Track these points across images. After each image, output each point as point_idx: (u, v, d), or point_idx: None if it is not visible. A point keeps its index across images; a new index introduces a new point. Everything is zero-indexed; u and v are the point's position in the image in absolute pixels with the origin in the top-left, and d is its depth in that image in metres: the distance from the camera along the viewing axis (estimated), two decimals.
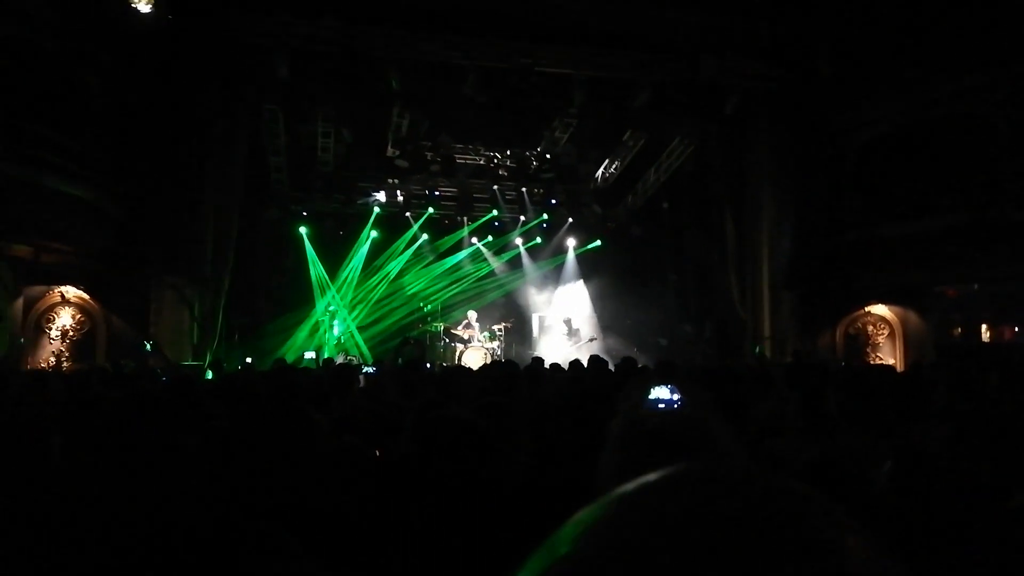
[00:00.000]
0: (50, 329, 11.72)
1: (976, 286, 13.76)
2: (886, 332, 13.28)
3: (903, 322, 13.21)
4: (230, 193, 12.63)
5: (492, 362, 8.69)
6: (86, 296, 11.93)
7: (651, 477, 0.48)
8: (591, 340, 16.27)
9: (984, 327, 15.70)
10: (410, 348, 7.57)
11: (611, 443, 1.21)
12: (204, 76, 11.60)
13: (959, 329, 15.58)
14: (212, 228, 12.30)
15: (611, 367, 7.34)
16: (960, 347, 14.41)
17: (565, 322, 16.50)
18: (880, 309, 13.30)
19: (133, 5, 10.21)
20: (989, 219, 11.12)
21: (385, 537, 1.95)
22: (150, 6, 10.40)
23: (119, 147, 11.50)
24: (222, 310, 12.68)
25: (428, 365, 7.73)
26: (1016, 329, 15.42)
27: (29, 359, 11.45)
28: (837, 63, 12.56)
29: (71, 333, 11.81)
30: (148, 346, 11.14)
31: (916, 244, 11.94)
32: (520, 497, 2.19)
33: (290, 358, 13.02)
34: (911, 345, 13.00)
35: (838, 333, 13.40)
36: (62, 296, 11.83)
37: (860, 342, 13.32)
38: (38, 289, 11.74)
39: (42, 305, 11.77)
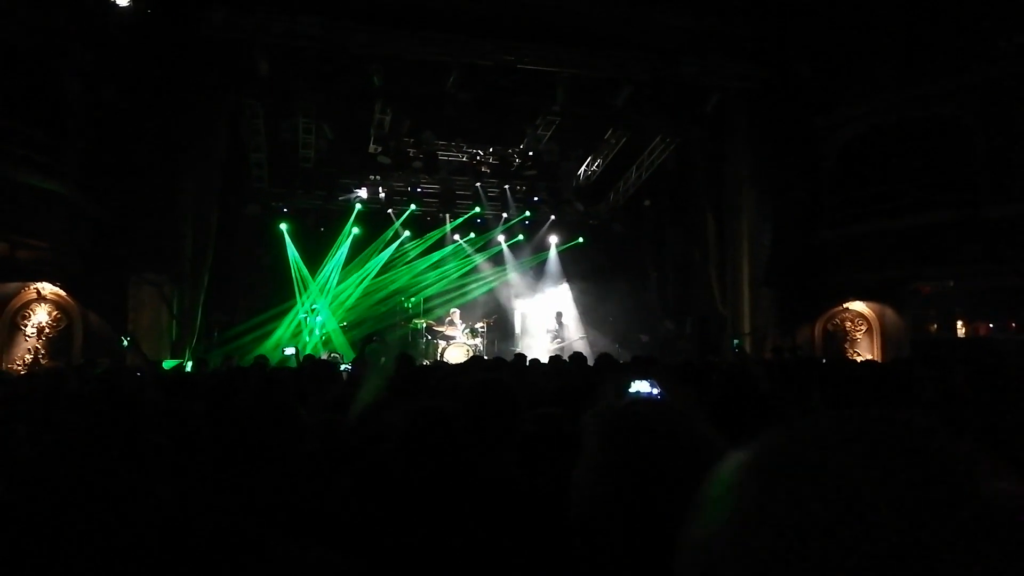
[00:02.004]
0: (25, 327, 11.54)
1: (951, 283, 13.95)
2: (864, 328, 13.44)
3: (880, 318, 13.37)
4: (209, 189, 12.51)
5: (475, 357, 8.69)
6: (62, 293, 11.75)
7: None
8: (580, 338, 16.36)
9: (959, 323, 15.94)
10: (374, 345, 7.58)
11: (587, 436, 1.21)
12: (183, 72, 11.46)
13: (935, 325, 15.80)
14: (191, 224, 12.18)
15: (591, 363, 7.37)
16: (936, 342, 14.62)
17: (556, 316, 16.55)
18: (858, 305, 13.45)
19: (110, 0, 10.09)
20: (964, 217, 11.30)
21: (370, 533, 1.95)
22: (127, 0, 10.27)
23: (96, 143, 11.34)
24: (201, 307, 12.56)
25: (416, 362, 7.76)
26: (991, 324, 15.67)
27: (4, 357, 11.27)
28: (816, 64, 12.69)
29: (47, 331, 11.63)
30: (126, 342, 11.02)
31: (893, 242, 12.11)
32: (501, 491, 2.19)
33: (270, 355, 12.93)
34: (888, 341, 13.17)
35: (817, 329, 13.54)
36: (38, 293, 11.64)
37: (838, 338, 13.47)
38: (13, 286, 11.55)
39: (17, 302, 11.58)
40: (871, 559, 0.43)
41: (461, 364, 6.84)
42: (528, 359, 8.13)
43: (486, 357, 13.68)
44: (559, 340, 16.02)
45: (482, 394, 2.58)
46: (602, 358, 7.02)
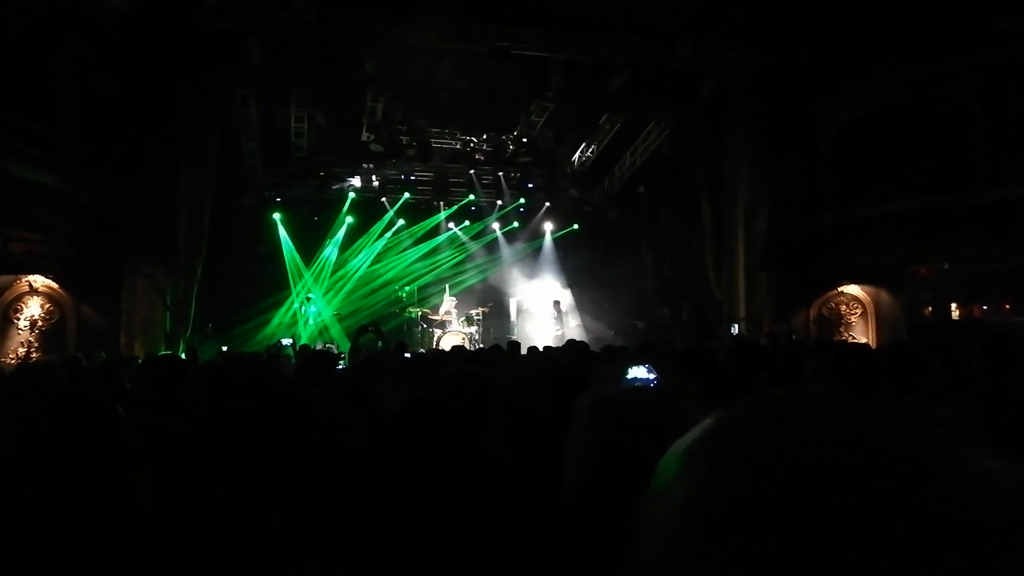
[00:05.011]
0: (18, 320, 11.47)
1: (946, 266, 13.96)
2: (859, 312, 13.45)
3: (875, 302, 13.38)
4: (203, 179, 12.43)
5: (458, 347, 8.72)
6: (55, 285, 11.68)
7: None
8: (577, 325, 16.40)
9: (954, 306, 15.98)
10: (368, 336, 7.61)
11: (579, 421, 1.18)
12: (176, 61, 11.37)
13: (930, 308, 15.84)
14: (185, 215, 12.11)
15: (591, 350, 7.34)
16: (931, 325, 14.66)
17: (554, 305, 16.55)
18: (853, 289, 13.46)
19: None
20: (960, 201, 11.27)
21: (363, 524, 1.93)
22: None
23: (89, 134, 11.24)
24: (195, 298, 12.51)
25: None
26: (985, 307, 15.70)
27: None
28: (814, 47, 12.61)
29: (40, 324, 11.56)
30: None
31: (888, 226, 12.08)
32: (492, 478, 2.18)
33: (265, 345, 12.89)
34: (883, 324, 13.19)
35: (812, 313, 13.55)
36: (30, 285, 11.57)
37: (834, 322, 13.48)
38: (5, 278, 11.48)
39: (9, 295, 11.51)
40: (821, 551, 0.38)
41: (444, 354, 6.85)
42: (527, 347, 8.12)
43: (481, 345, 13.77)
44: (559, 328, 16.05)
45: (455, 384, 2.62)
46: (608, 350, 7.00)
